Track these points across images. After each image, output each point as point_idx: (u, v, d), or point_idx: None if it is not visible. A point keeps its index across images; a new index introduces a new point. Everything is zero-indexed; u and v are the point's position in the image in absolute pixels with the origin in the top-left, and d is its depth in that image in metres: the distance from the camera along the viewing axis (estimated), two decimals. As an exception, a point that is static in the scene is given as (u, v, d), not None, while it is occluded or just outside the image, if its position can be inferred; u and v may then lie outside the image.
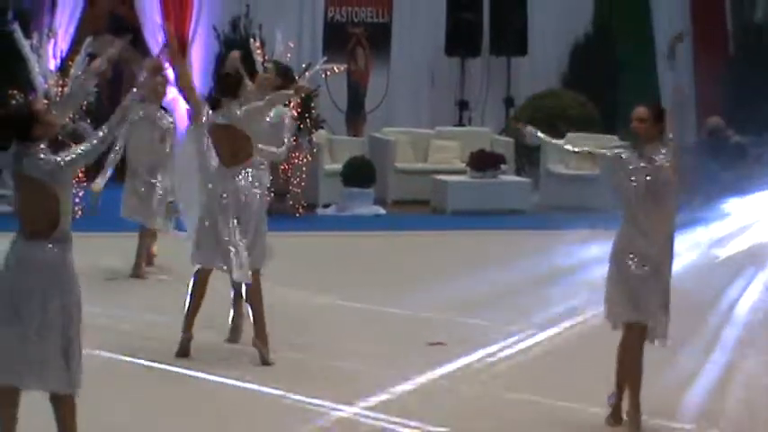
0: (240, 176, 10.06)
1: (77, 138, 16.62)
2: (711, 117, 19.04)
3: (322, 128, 18.47)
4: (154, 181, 13.48)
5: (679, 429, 8.75)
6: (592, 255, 14.23)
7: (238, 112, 9.96)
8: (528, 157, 19.59)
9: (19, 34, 17.06)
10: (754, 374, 10.11)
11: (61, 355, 7.12)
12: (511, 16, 20.86)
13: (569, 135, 19.43)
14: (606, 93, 20.60)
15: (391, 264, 14.59)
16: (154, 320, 11.30)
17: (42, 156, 7.24)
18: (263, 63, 17.51)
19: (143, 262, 13.53)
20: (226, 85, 10.36)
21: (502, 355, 10.68)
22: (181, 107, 18.72)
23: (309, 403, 9.08)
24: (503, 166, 18.94)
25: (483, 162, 18.79)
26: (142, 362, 9.99)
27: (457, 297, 12.31)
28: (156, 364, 9.93)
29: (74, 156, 7.36)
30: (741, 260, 14.23)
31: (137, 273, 13.42)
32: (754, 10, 21.83)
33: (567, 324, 11.79)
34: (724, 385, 9.67)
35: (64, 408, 7.38)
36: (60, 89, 16.86)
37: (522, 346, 10.98)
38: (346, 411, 8.93)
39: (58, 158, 7.32)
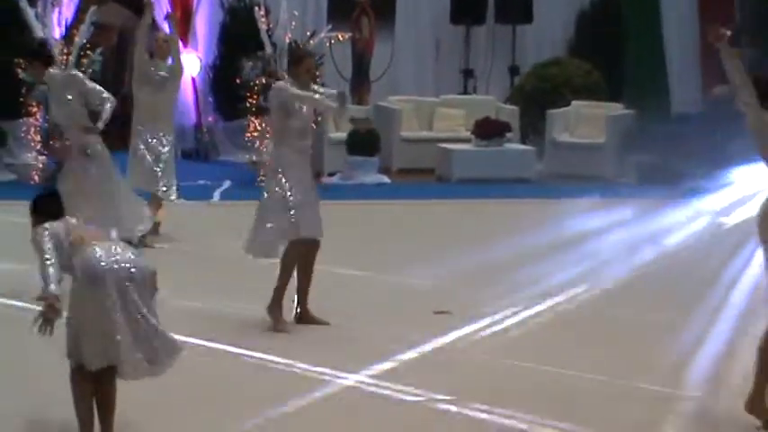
0: None
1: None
2: (717, 86, 18.98)
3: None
4: (158, 146, 13.42)
5: (687, 397, 8.75)
6: (596, 224, 14.31)
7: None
8: (533, 126, 19.60)
9: (24, 2, 17.09)
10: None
11: None
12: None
13: (574, 103, 19.51)
14: (611, 61, 20.56)
15: (396, 232, 14.63)
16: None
17: None
18: (267, 32, 17.62)
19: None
20: None
21: (507, 323, 10.68)
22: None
23: (314, 371, 9.09)
24: (508, 135, 18.95)
25: (488, 130, 18.80)
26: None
27: (462, 266, 12.30)
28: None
29: None
30: (747, 228, 14.24)
31: (144, 242, 13.37)
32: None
33: (571, 293, 11.80)
34: (731, 352, 9.67)
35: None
36: (65, 57, 16.88)
37: (526, 314, 10.98)
38: (351, 379, 8.93)
39: None
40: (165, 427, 7.99)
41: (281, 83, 10.47)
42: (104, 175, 11.99)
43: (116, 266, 7.06)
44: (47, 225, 7.31)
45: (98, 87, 12.16)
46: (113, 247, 7.27)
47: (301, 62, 10.35)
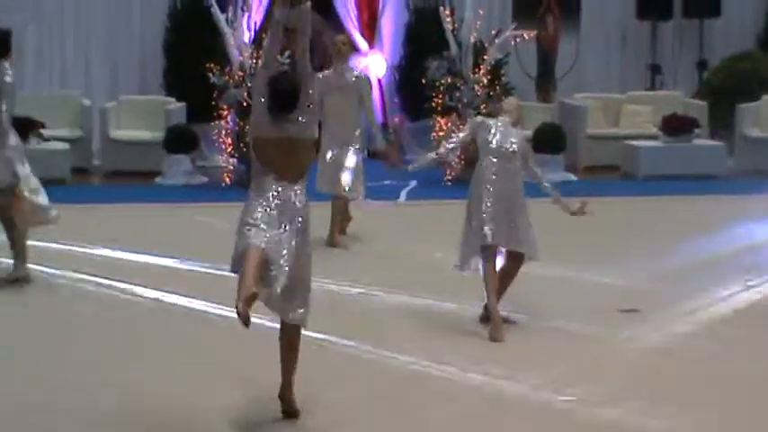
0: None
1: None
2: None
3: (512, 95, 18.48)
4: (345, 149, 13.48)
5: None
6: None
7: None
8: (722, 121, 19.35)
9: (215, 9, 17.45)
10: None
11: None
12: (704, -23, 20.68)
13: (765, 97, 19.24)
14: (803, 53, 20.29)
15: (584, 229, 14.54)
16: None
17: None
18: (452, 31, 17.73)
19: (336, 230, 13.61)
20: None
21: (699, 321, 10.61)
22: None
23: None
24: (696, 131, 18.78)
25: (675, 126, 18.65)
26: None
27: (652, 264, 12.26)
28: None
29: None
30: None
31: (331, 242, 13.51)
32: None
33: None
34: None
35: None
36: (254, 61, 17.15)
37: (721, 309, 10.89)
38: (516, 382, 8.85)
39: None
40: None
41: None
42: None
43: None
44: None
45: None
46: None
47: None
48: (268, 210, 7.57)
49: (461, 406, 8.30)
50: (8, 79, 12.76)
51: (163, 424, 7.86)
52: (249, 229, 7.46)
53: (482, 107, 16.96)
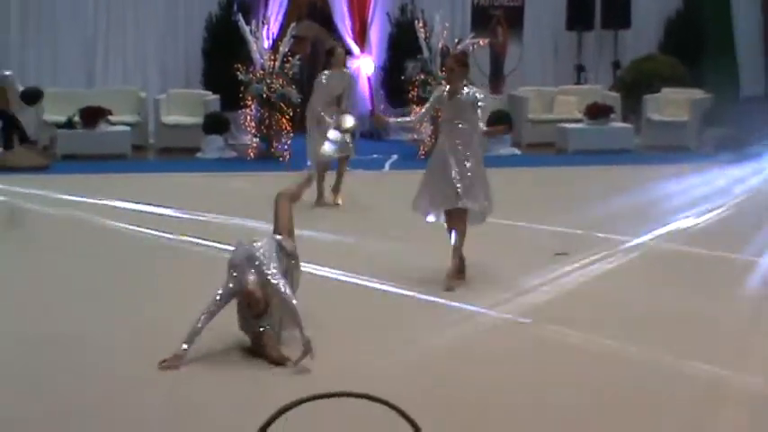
0: None
1: (285, 99, 16.97)
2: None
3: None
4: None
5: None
6: (682, 183, 14.21)
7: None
8: (631, 108, 19.40)
9: (242, 22, 17.47)
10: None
11: None
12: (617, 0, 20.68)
13: (664, 90, 19.28)
14: (693, 56, 20.26)
15: (526, 193, 14.63)
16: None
17: None
18: (425, 39, 17.73)
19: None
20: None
21: (614, 261, 10.64)
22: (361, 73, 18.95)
23: (455, 307, 8.96)
24: (612, 115, 18.83)
25: (596, 112, 18.70)
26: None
27: (578, 217, 12.29)
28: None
29: None
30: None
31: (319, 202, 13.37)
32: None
33: (665, 233, 11.77)
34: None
35: None
36: (272, 63, 17.16)
37: (629, 254, 10.93)
38: (483, 311, 8.82)
39: None
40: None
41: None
42: None
43: None
44: None
45: None
46: None
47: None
48: None
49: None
50: None
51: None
52: None
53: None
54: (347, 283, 9.63)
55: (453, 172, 9.37)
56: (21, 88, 17.74)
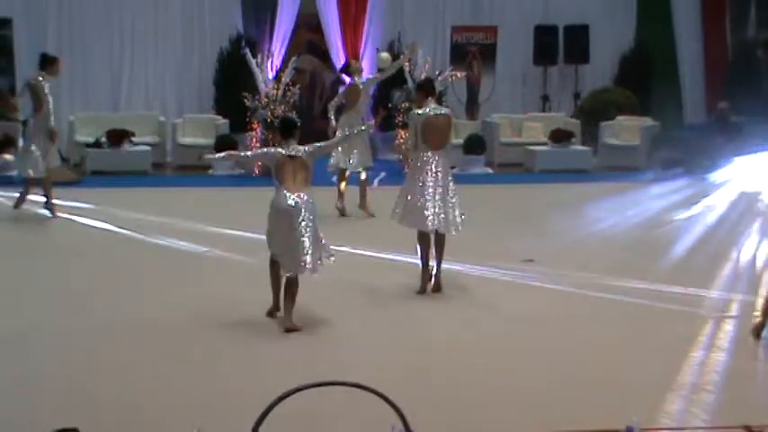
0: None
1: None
2: (719, 103, 18.65)
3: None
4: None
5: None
6: (632, 197, 14.27)
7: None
8: (590, 133, 19.41)
9: (249, 56, 17.46)
10: None
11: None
12: (577, 38, 20.62)
13: (618, 117, 19.31)
14: (643, 88, 20.34)
15: (497, 207, 14.62)
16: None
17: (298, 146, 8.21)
18: (409, 71, 17.71)
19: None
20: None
21: (576, 266, 10.65)
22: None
23: (434, 306, 9.04)
24: (573, 140, 18.86)
25: (559, 137, 18.73)
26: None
27: (544, 228, 12.31)
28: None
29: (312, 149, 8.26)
30: (737, 201, 14.12)
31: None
32: (746, 29, 21.39)
33: (620, 241, 11.77)
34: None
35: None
36: (275, 92, 17.16)
37: (587, 261, 10.93)
38: (461, 311, 8.89)
39: (307, 148, 8.16)
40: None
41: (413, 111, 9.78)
42: None
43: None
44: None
45: None
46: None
47: None
48: None
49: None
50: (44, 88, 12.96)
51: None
52: None
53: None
54: (341, 284, 9.62)
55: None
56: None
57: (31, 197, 13.42)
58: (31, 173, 12.94)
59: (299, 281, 8.11)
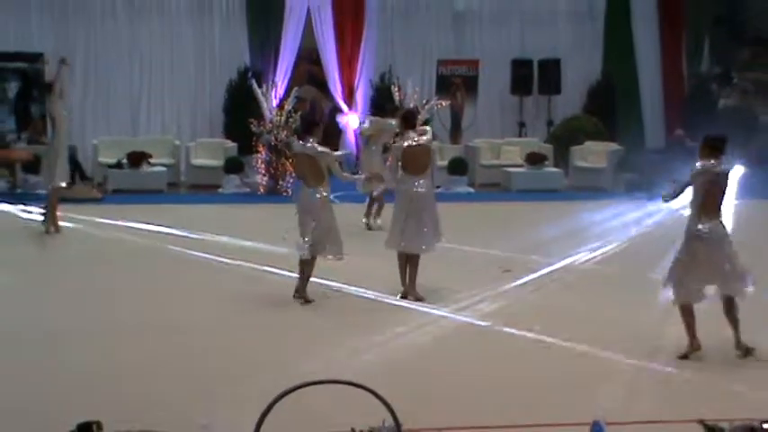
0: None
1: (289, 147, 16.96)
2: (677, 130, 18.76)
3: (435, 139, 18.54)
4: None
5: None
6: (600, 215, 14.29)
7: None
8: (561, 157, 19.42)
9: (255, 86, 17.48)
10: None
11: None
12: (550, 71, 20.67)
13: (587, 143, 19.36)
14: (609, 116, 20.38)
15: (477, 223, 14.65)
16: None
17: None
18: (399, 101, 17.70)
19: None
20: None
21: (549, 277, 10.66)
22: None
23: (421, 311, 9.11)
24: (546, 162, 18.88)
25: (534, 160, 18.75)
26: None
27: (520, 242, 12.33)
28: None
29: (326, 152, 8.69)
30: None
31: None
32: (700, 65, 21.53)
33: (589, 255, 11.79)
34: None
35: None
36: (279, 118, 17.19)
37: (560, 271, 10.94)
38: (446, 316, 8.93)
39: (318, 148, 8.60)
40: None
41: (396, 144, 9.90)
42: None
43: None
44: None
45: None
46: None
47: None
48: None
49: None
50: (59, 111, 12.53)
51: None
52: None
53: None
54: (336, 291, 9.65)
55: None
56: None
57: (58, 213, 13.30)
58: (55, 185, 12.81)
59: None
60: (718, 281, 7.63)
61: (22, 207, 12.98)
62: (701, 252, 7.56)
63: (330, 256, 8.92)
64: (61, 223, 13.05)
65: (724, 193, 7.70)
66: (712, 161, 7.60)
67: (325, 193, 8.88)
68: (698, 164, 7.67)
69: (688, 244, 7.68)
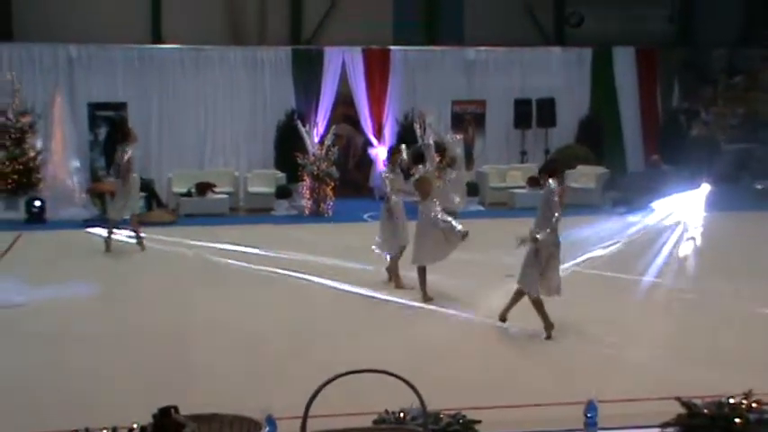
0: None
1: (329, 176, 17.07)
2: (653, 155, 18.71)
3: (452, 167, 18.55)
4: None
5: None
6: (591, 229, 14.21)
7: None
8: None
9: (300, 125, 17.58)
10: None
11: None
12: (547, 108, 20.63)
13: (579, 167, 19.29)
14: (597, 144, 20.33)
15: (486, 236, 14.58)
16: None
17: None
18: (420, 136, 17.64)
19: None
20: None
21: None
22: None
23: (438, 312, 9.12)
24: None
25: (534, 183, 18.63)
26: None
27: (522, 251, 12.20)
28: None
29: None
30: (666, 228, 14.06)
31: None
32: (671, 100, 21.46)
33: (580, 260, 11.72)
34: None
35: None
36: (320, 152, 17.29)
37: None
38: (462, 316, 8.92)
39: None
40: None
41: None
42: None
43: None
44: None
45: None
46: None
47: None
48: None
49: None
50: (125, 158, 12.52)
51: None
52: None
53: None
54: (349, 296, 9.68)
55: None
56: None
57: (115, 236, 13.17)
58: (113, 216, 12.96)
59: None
60: None
61: (109, 230, 13.13)
62: None
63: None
64: (146, 242, 13.24)
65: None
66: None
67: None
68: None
69: None
